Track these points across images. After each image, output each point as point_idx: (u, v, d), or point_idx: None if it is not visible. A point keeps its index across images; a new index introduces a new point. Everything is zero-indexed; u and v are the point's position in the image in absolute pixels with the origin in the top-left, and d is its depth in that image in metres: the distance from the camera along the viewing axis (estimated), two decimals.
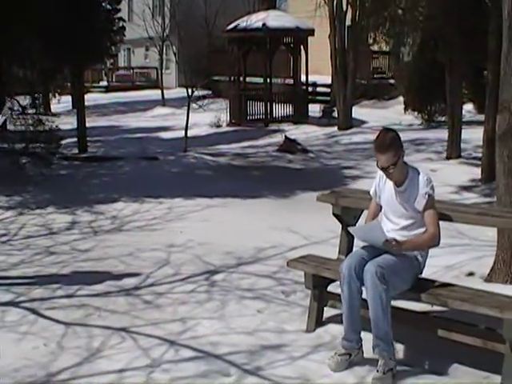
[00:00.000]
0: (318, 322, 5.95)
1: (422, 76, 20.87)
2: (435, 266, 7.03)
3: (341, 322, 5.37)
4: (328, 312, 5.98)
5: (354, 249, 5.85)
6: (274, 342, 5.70)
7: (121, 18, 21.42)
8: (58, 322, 6.30)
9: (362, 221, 6.12)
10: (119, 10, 21.39)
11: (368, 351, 5.19)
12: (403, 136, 5.45)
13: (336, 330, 5.72)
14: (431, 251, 5.43)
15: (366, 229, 5.50)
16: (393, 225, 5.43)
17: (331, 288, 5.96)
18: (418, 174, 5.31)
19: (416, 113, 22.93)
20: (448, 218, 5.47)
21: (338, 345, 5.32)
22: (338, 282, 6.07)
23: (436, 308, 5.61)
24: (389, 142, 5.23)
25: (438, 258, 7.22)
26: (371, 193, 5.65)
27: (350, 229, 5.64)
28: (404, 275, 5.20)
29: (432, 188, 5.27)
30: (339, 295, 5.37)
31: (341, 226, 6.23)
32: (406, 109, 23.40)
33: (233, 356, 5.45)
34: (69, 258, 8.41)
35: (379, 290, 4.97)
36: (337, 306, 5.90)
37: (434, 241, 5.28)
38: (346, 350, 5.26)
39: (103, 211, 11.10)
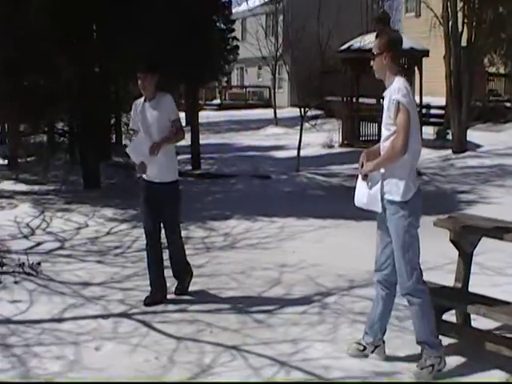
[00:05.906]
0: None
1: None
2: None
3: (456, 352, 5.23)
4: (442, 340, 5.83)
5: None
6: (387, 368, 5.59)
7: (235, 38, 21.77)
8: (169, 335, 6.39)
9: (479, 248, 5.99)
10: (233, 30, 21.76)
11: None
12: None
13: (451, 359, 5.56)
14: None
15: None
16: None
17: (445, 316, 5.84)
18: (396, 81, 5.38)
19: None
20: None
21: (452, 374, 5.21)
22: (453, 311, 5.97)
23: None
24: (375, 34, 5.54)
25: None
26: None
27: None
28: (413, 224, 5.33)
29: (404, 96, 5.25)
30: (454, 324, 5.24)
31: (458, 252, 6.10)
32: None
33: (345, 381, 5.38)
34: None
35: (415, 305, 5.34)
36: (451, 334, 5.77)
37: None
38: None
39: (216, 228, 11.19)
